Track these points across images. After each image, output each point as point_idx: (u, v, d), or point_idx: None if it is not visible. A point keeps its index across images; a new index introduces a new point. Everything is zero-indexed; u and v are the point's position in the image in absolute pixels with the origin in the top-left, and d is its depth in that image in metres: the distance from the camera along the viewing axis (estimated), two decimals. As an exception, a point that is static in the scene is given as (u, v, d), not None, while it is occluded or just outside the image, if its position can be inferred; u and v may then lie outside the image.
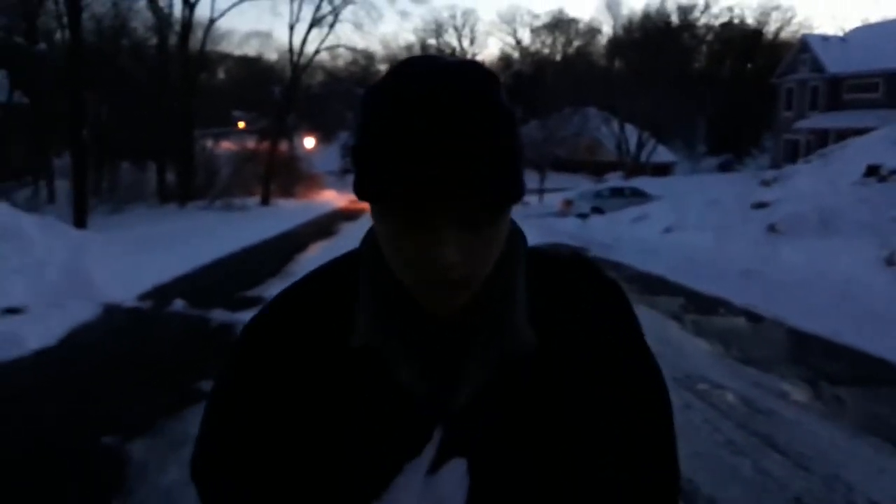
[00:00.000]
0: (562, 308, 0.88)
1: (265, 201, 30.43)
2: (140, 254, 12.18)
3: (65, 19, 23.04)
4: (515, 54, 72.04)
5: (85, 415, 5.18)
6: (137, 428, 4.75)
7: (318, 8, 33.40)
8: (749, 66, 57.34)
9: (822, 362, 6.49)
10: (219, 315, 8.40)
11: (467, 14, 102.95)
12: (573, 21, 72.81)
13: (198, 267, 12.36)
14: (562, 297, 0.89)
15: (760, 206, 14.19)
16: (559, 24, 71.01)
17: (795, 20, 77.68)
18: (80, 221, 16.66)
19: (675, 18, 59.67)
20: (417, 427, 0.81)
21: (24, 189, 23.64)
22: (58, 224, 12.02)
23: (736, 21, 60.63)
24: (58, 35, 25.46)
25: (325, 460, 0.82)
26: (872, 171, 12.99)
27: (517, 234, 0.90)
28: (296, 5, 44.89)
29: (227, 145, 37.38)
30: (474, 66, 0.78)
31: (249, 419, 0.87)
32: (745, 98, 49.11)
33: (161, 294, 9.67)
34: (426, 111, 0.72)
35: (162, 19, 29.36)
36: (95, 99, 22.19)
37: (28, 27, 22.12)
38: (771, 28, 60.27)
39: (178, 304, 8.92)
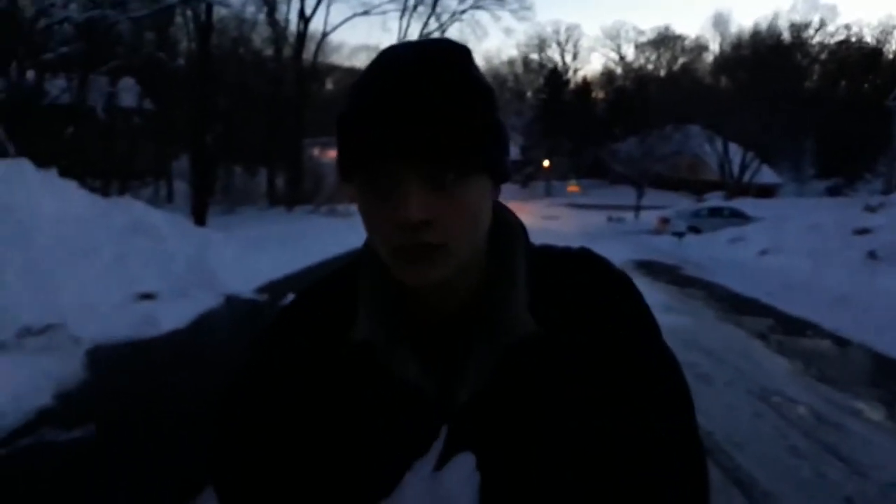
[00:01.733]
0: (567, 300, 0.86)
1: (367, 209, 31.36)
2: (254, 252, 13.10)
3: (191, 28, 24.73)
4: (618, 70, 71.83)
5: (217, 386, 5.96)
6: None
7: (425, 24, 34.87)
8: (866, 86, 55.06)
9: (903, 386, 6.61)
10: (326, 310, 9.16)
11: (571, 29, 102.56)
12: (679, 38, 71.72)
13: (307, 266, 13.23)
14: (567, 290, 0.87)
15: (862, 232, 13.93)
16: (664, 41, 70.47)
17: (920, 39, 73.71)
18: (200, 220, 17.98)
19: (787, 36, 58.04)
20: (424, 424, 0.81)
21: (146, 189, 25.55)
22: (183, 221, 13.12)
23: (853, 40, 58.48)
24: (183, 44, 27.34)
25: (334, 460, 0.84)
26: (983, 200, 12.61)
27: (517, 225, 0.91)
28: (405, 21, 46.45)
29: (333, 154, 38.76)
30: (441, 41, 0.81)
31: (260, 421, 0.91)
32: (860, 120, 47.21)
33: (275, 288, 10.53)
34: (389, 83, 0.76)
35: (279, 33, 31.11)
36: (217, 107, 23.76)
37: (159, 39, 23.90)
38: (892, 47, 57.87)
39: (292, 298, 9.71)
